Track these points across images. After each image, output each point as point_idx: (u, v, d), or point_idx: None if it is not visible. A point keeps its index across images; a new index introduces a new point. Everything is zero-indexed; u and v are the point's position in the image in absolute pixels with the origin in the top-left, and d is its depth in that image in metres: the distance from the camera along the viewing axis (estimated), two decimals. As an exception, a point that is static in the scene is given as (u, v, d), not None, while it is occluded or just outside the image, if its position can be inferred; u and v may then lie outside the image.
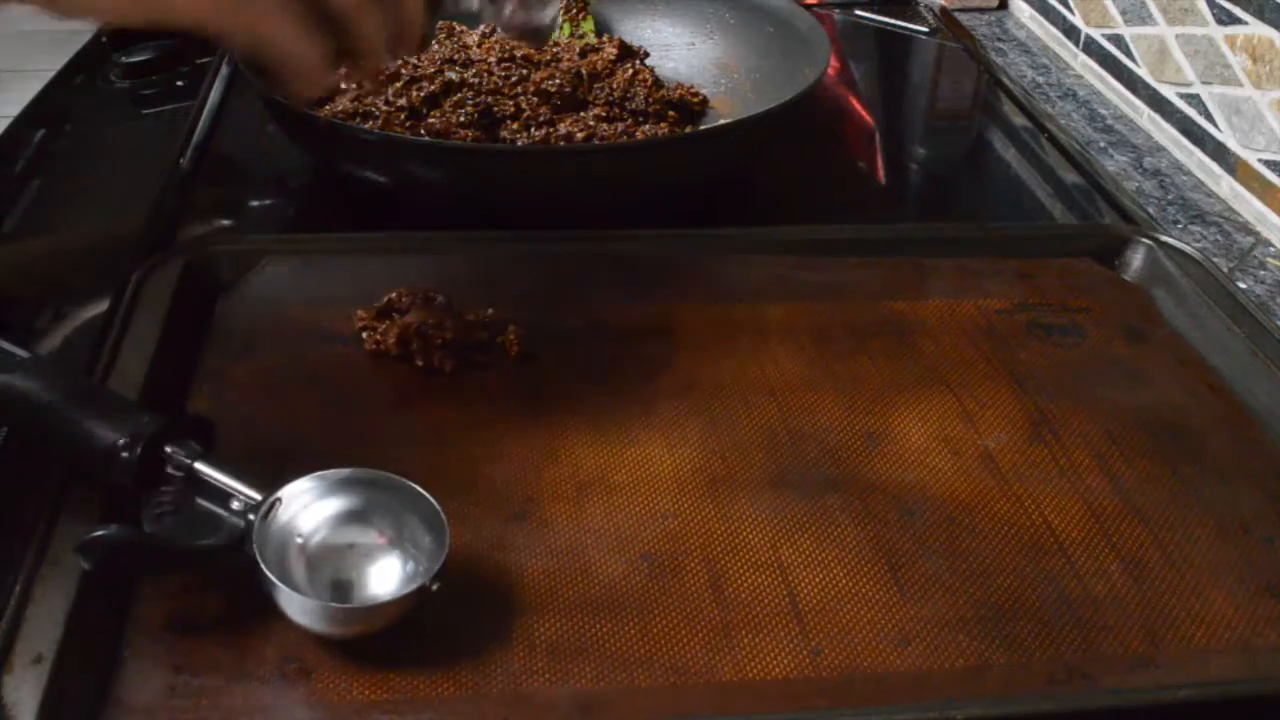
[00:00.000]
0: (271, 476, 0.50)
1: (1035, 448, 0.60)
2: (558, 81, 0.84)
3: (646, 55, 0.92)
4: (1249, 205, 0.86)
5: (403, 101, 0.82)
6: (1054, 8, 1.14)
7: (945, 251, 0.76)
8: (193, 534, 0.49)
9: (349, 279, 0.69)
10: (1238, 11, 0.86)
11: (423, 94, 0.83)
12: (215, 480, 0.50)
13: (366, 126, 0.81)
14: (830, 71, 0.92)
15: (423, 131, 0.80)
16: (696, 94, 0.90)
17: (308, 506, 0.49)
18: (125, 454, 0.51)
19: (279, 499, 0.49)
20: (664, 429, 0.60)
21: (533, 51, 0.88)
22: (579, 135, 0.82)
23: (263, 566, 0.46)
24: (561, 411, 0.61)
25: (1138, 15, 0.99)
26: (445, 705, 0.46)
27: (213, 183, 0.83)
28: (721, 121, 0.89)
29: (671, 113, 0.87)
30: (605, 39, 0.93)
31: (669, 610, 0.50)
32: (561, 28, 0.96)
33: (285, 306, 0.68)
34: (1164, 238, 0.76)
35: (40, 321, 0.67)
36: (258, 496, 0.49)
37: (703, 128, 0.89)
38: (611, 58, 0.88)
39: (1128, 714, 0.48)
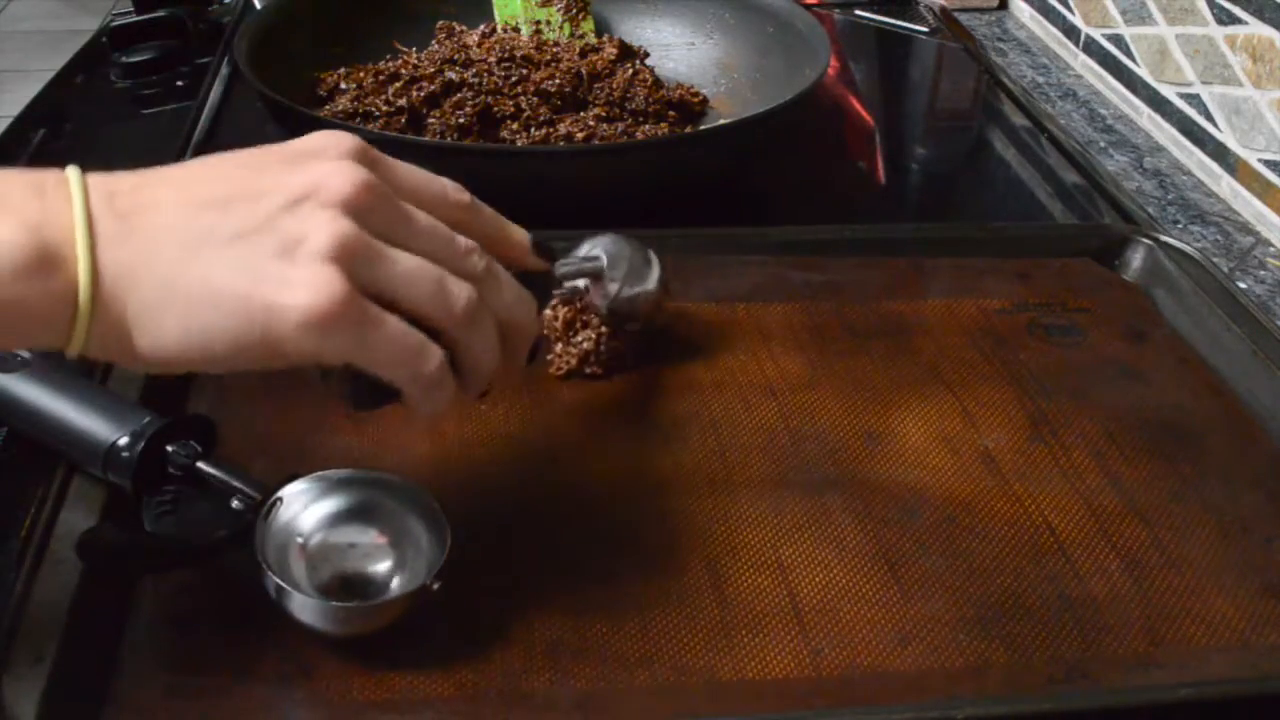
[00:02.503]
0: (271, 476, 0.50)
1: (1035, 448, 0.60)
2: (558, 81, 0.84)
3: (646, 55, 0.92)
4: (1249, 205, 0.86)
5: (403, 101, 0.83)
6: (1054, 8, 1.14)
7: (945, 251, 0.76)
8: (193, 534, 0.49)
9: (349, 279, 0.69)
10: (1238, 11, 0.86)
11: (423, 94, 0.83)
12: (216, 480, 0.50)
13: (367, 127, 0.81)
14: (830, 71, 0.92)
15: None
16: (696, 94, 0.90)
17: (308, 506, 0.49)
18: (125, 454, 0.51)
19: (279, 498, 0.49)
20: (664, 429, 0.60)
21: (533, 51, 0.88)
22: (579, 135, 0.82)
23: (263, 566, 0.46)
24: (561, 411, 0.61)
25: (1138, 15, 0.99)
26: (445, 705, 0.46)
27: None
28: (721, 121, 0.89)
29: (671, 113, 0.87)
30: (605, 39, 0.93)
31: (669, 610, 0.50)
32: (561, 28, 0.96)
33: (285, 306, 0.67)
34: (1164, 238, 0.76)
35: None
36: (258, 496, 0.49)
37: (703, 128, 0.89)
38: (611, 58, 0.89)
39: (1128, 714, 0.47)
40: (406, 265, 0.42)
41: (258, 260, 0.39)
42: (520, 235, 0.49)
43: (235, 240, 0.39)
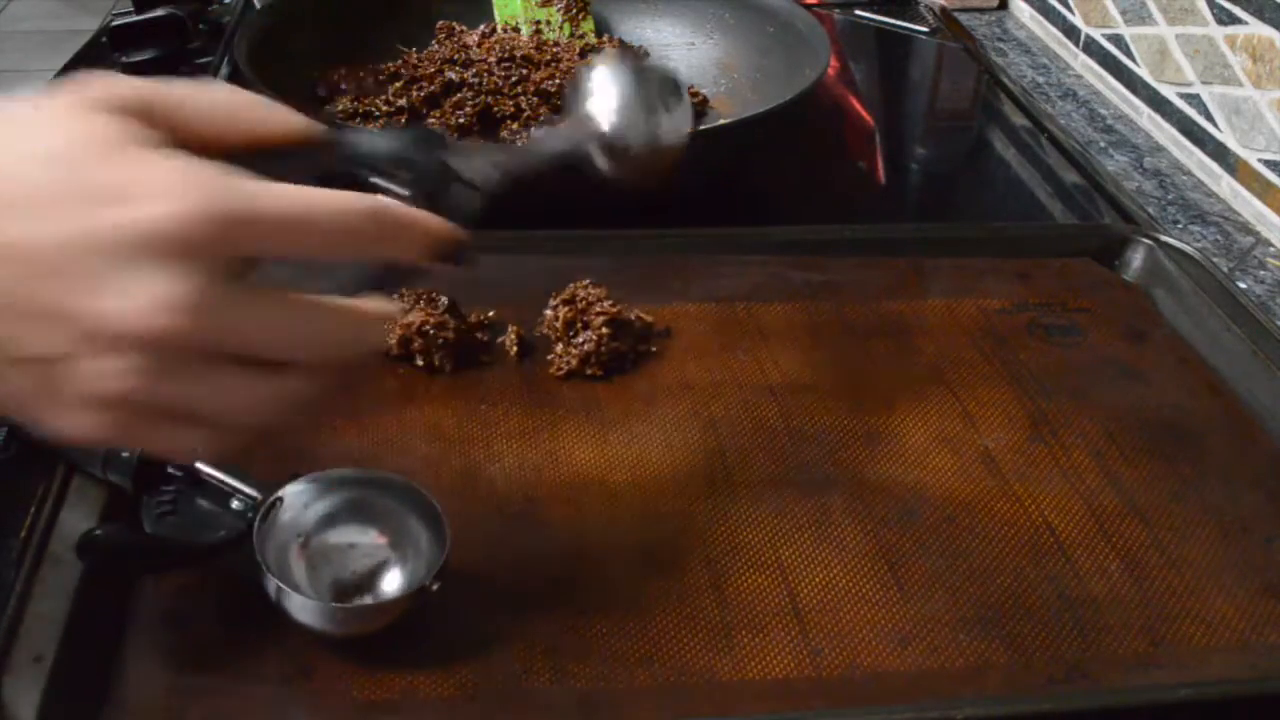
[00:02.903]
0: (271, 476, 0.50)
1: (1035, 448, 0.60)
2: (558, 81, 0.84)
3: (646, 55, 0.92)
4: (1249, 205, 0.85)
5: (403, 101, 0.83)
6: (1054, 8, 1.14)
7: (945, 251, 0.76)
8: (193, 534, 0.49)
9: (349, 279, 0.69)
10: (1238, 11, 0.86)
11: (423, 94, 0.83)
12: (216, 480, 0.50)
13: (366, 127, 0.81)
14: (830, 71, 0.92)
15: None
16: (696, 94, 0.90)
17: (308, 506, 0.49)
18: (125, 453, 0.51)
19: (279, 499, 0.49)
20: (664, 429, 0.60)
21: (533, 51, 0.88)
22: (579, 135, 0.82)
23: (263, 566, 0.46)
24: (561, 411, 0.61)
25: (1138, 15, 0.99)
26: (445, 705, 0.46)
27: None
28: (721, 121, 0.89)
29: (671, 113, 0.87)
30: (605, 39, 0.93)
31: (669, 610, 0.50)
32: (561, 28, 0.96)
33: (285, 306, 0.67)
34: (1164, 238, 0.76)
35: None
36: (258, 496, 0.49)
37: (703, 128, 0.89)
38: (611, 58, 0.88)
39: (1128, 714, 0.48)
40: (188, 398, 0.39)
41: (36, 391, 0.38)
42: (426, 239, 0.43)
43: (19, 362, 0.38)
